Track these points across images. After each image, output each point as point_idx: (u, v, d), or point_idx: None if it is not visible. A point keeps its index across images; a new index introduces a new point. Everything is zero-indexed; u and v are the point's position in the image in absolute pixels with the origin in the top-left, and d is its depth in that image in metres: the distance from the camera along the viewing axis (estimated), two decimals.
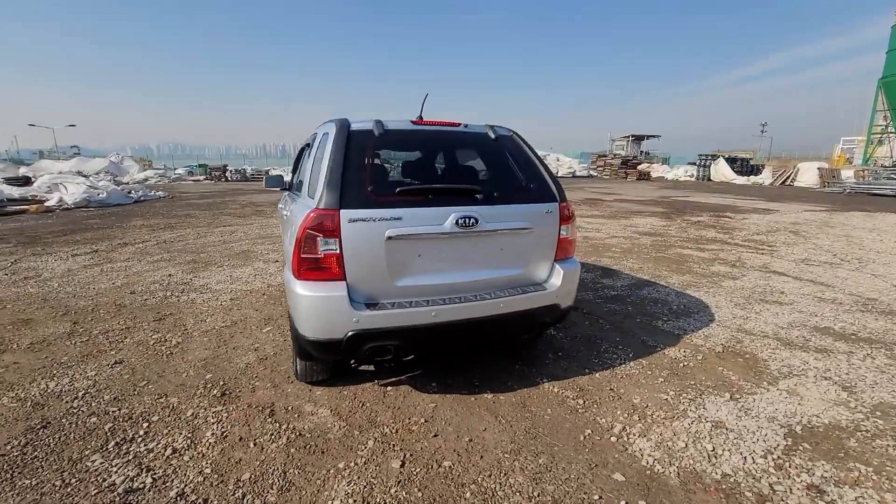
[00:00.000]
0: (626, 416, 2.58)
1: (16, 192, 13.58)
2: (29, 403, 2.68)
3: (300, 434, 2.40)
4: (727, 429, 2.46)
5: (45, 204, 12.57)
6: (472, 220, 2.46)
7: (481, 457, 2.23)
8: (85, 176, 20.76)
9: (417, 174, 3.05)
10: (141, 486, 2.02)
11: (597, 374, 3.08)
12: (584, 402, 2.73)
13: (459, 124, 2.85)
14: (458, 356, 3.25)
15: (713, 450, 2.28)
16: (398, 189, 2.45)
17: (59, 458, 2.20)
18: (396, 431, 2.43)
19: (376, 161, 2.88)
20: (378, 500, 1.95)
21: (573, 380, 2.99)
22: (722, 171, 27.21)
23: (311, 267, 2.31)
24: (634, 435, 2.41)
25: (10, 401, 2.71)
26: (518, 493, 1.99)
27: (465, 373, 3.05)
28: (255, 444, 2.32)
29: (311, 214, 2.29)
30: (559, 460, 2.21)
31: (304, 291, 2.29)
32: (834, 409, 2.65)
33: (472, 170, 3.01)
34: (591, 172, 33.80)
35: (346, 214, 2.29)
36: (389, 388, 2.86)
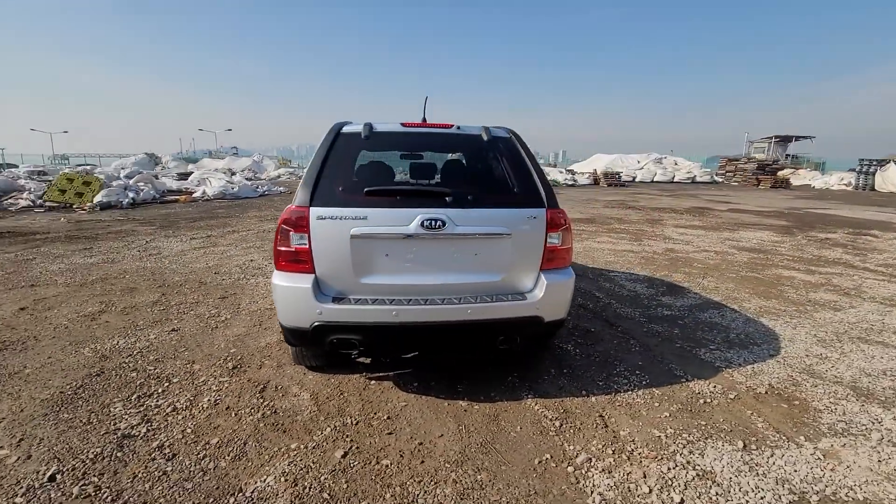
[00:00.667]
0: (600, 447, 2.34)
1: (175, 184, 16.54)
2: (99, 355, 3.33)
3: (275, 412, 2.63)
4: (714, 482, 2.10)
5: (193, 195, 15.12)
6: (439, 223, 2.45)
7: (422, 462, 2.22)
8: (233, 173, 24.53)
9: (412, 173, 3.10)
10: (136, 434, 2.41)
11: (592, 398, 2.83)
12: (561, 425, 2.54)
13: (452, 126, 2.83)
14: (455, 360, 3.23)
15: (680, 502, 1.97)
16: (365, 189, 2.54)
17: (94, 401, 2.72)
18: (356, 423, 2.53)
19: (363, 162, 2.99)
20: (306, 483, 2.07)
21: (562, 400, 2.79)
22: (892, 179, 22.25)
23: (286, 259, 2.51)
24: (596, 469, 2.18)
25: (88, 351, 3.39)
26: None
27: (454, 377, 3.02)
28: (235, 415, 2.60)
29: (287, 210, 2.49)
30: (498, 480, 2.11)
31: (277, 281, 2.50)
32: (879, 485, 2.09)
33: (458, 172, 2.97)
34: (717, 178, 30.11)
35: (314, 212, 2.44)
36: (374, 381, 2.97)
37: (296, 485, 2.05)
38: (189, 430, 2.45)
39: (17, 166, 28.02)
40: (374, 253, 2.50)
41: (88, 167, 20.56)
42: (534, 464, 2.22)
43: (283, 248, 2.49)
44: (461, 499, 1.99)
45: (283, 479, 2.09)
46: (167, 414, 2.60)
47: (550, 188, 2.71)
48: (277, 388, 2.89)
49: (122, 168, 23.55)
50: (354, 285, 2.52)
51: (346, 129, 2.76)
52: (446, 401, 2.77)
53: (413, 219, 2.44)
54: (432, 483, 2.08)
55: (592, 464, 2.22)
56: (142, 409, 2.64)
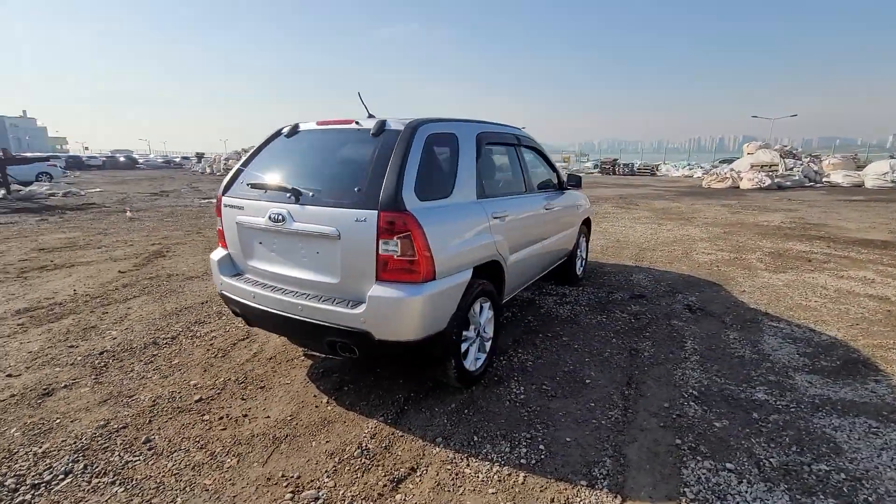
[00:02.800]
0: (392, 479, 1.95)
1: None
2: None
3: (239, 370, 3.32)
4: None
5: None
6: (280, 217, 2.49)
7: (243, 425, 2.45)
8: None
9: (299, 171, 2.90)
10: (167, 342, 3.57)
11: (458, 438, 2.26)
12: (374, 448, 2.20)
13: (352, 122, 2.71)
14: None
15: None
16: (248, 183, 2.79)
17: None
18: (231, 376, 2.93)
19: (282, 159, 3.09)
20: (163, 403, 2.65)
21: (425, 427, 2.36)
22: None
23: (219, 236, 3.08)
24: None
25: None
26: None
27: (360, 374, 2.96)
28: (223, 366, 3.43)
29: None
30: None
31: (212, 254, 3.11)
32: None
33: (330, 167, 2.76)
34: None
35: (224, 200, 2.90)
36: (280, 353, 3.27)
37: (164, 399, 2.68)
38: (200, 370, 3.43)
39: None
40: (252, 240, 2.77)
41: None
42: (262, 478, 2.10)
43: (218, 229, 3.09)
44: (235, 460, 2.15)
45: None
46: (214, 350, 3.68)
47: (398, 189, 2.26)
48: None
49: None
50: (245, 266, 2.88)
51: (283, 129, 3.08)
52: (316, 391, 2.80)
53: (266, 212, 2.59)
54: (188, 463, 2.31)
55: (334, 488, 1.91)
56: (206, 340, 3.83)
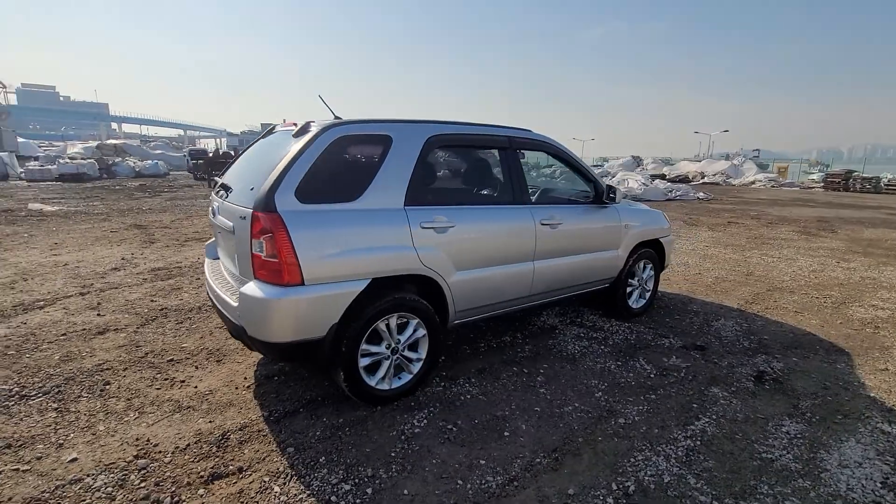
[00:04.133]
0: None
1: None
2: None
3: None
4: None
5: None
6: (213, 211, 2.71)
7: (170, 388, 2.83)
8: (702, 174, 24.13)
9: (243, 169, 2.96)
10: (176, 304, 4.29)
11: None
12: (233, 439, 2.27)
13: (294, 125, 2.76)
14: None
15: None
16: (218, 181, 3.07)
17: None
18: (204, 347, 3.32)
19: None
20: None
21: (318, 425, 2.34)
22: None
23: None
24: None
25: None
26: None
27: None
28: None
29: None
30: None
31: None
32: None
33: (262, 166, 2.76)
34: None
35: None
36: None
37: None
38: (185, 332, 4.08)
39: None
40: (214, 229, 3.09)
41: None
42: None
43: None
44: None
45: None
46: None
47: (278, 188, 2.21)
48: None
49: (604, 168, 28.18)
50: (215, 253, 3.24)
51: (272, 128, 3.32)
52: (252, 374, 2.98)
53: (212, 205, 2.86)
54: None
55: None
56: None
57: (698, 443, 2.38)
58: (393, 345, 2.62)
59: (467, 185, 3.13)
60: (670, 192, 16.52)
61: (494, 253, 2.99)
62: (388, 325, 2.57)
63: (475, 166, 3.21)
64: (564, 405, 2.71)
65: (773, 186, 25.36)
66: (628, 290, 4.07)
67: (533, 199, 3.32)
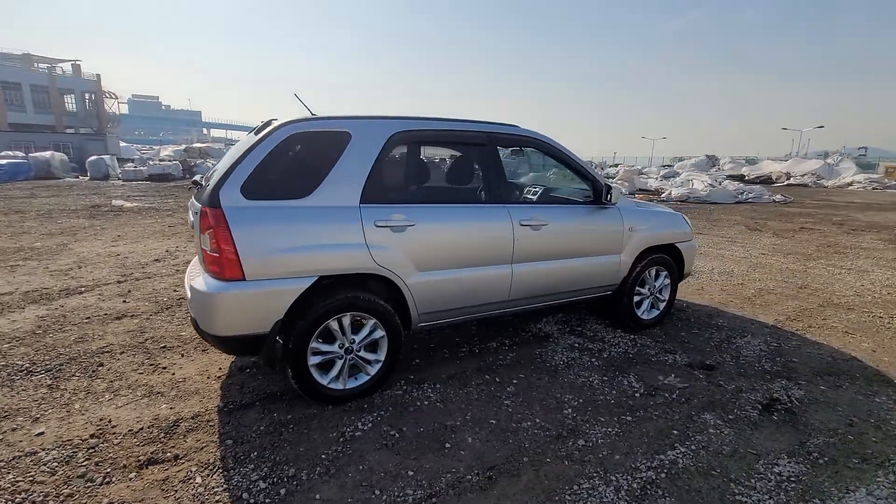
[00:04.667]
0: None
1: (655, 184, 17.29)
2: None
3: None
4: None
5: (660, 195, 15.45)
6: (189, 207, 2.83)
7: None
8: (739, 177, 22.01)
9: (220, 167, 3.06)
10: None
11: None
12: (182, 427, 2.36)
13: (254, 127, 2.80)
14: None
15: None
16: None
17: None
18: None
19: None
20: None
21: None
22: None
23: None
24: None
25: None
26: None
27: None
28: None
29: None
30: None
31: None
32: None
33: (224, 164, 2.81)
34: None
35: None
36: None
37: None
38: None
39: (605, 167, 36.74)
40: None
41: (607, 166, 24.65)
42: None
43: None
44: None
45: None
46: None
47: (223, 185, 2.24)
48: None
49: (673, 168, 26.53)
50: None
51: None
52: (226, 366, 3.08)
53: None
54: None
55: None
56: None
57: (662, 475, 2.10)
58: (346, 345, 2.58)
59: (437, 182, 3.02)
60: (741, 193, 15.08)
61: (463, 254, 2.85)
62: (340, 325, 2.54)
63: (448, 163, 3.09)
64: (524, 420, 2.52)
65: (874, 189, 22.32)
66: (636, 299, 3.73)
67: (517, 198, 3.14)
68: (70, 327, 3.70)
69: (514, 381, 2.93)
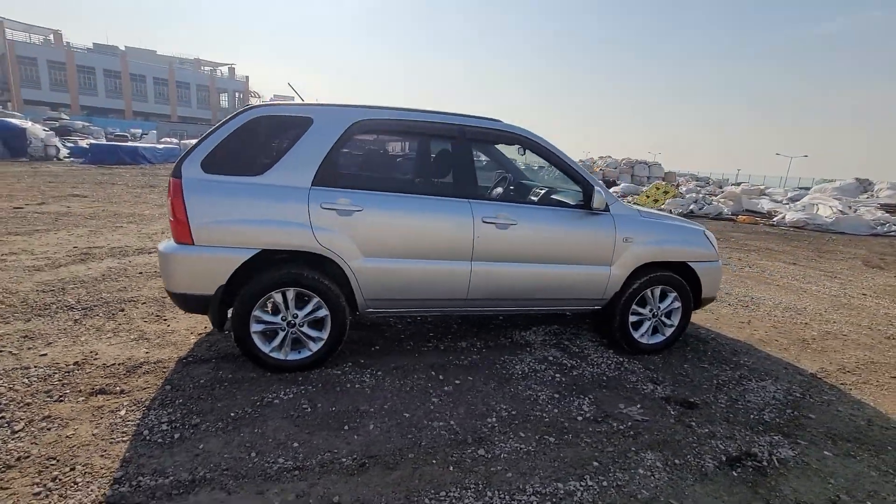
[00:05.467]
0: None
1: (768, 205, 15.12)
2: None
3: None
4: None
5: (757, 219, 13.53)
6: None
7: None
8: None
9: None
10: None
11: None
12: (112, 382, 2.72)
13: None
14: None
15: None
16: None
17: None
18: None
19: None
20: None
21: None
22: None
23: None
24: None
25: None
26: None
27: None
28: None
29: None
30: None
31: None
32: None
33: None
34: None
35: None
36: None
37: None
38: None
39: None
40: None
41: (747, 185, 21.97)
42: None
43: None
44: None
45: None
46: None
47: (205, 161, 2.51)
48: None
49: (809, 191, 23.30)
50: None
51: None
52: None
53: None
54: None
55: None
56: None
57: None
58: (289, 318, 2.73)
59: (399, 172, 3.02)
60: (881, 225, 12.50)
61: (414, 245, 2.83)
62: (284, 298, 2.69)
63: (413, 154, 3.08)
64: (439, 420, 2.43)
65: None
66: (633, 319, 3.35)
67: (487, 194, 3.02)
68: (122, 279, 4.38)
69: (457, 382, 2.83)
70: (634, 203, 15.15)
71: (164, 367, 2.78)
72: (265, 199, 2.61)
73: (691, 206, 13.81)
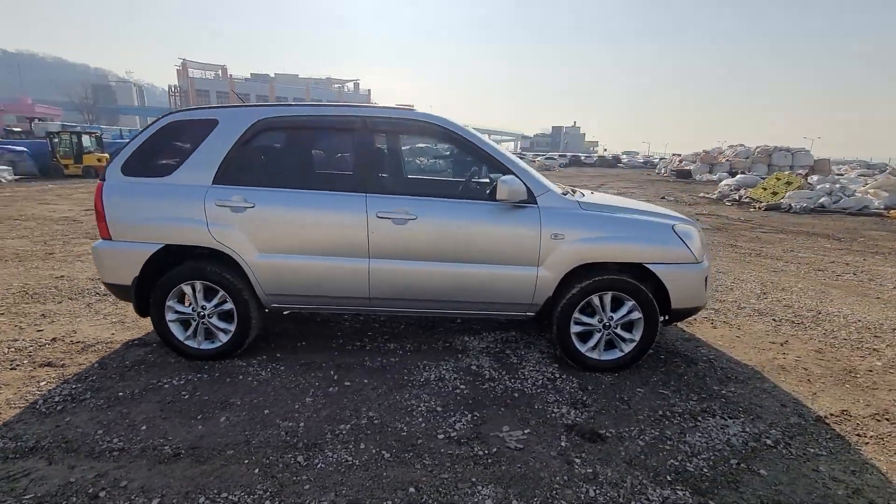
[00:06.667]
0: None
1: None
2: None
3: None
4: None
5: None
6: None
7: None
8: None
9: None
10: None
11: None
12: (60, 353, 3.14)
13: None
14: None
15: None
16: None
17: None
18: None
19: None
20: None
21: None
22: None
23: None
24: None
25: None
26: None
27: None
28: None
29: None
30: None
31: None
32: None
33: None
34: None
35: None
36: None
37: None
38: None
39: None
40: None
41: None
42: None
43: None
44: None
45: None
46: None
47: (124, 165, 2.79)
48: None
49: None
50: None
51: None
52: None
53: None
54: None
55: None
56: None
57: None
58: (198, 309, 2.90)
59: (298, 168, 2.95)
60: None
61: (308, 241, 2.79)
62: (193, 291, 2.87)
63: (315, 149, 2.99)
64: (291, 420, 2.36)
65: None
66: (578, 329, 2.87)
67: (388, 187, 2.85)
68: None
69: (347, 384, 2.72)
70: (748, 195, 12.98)
71: (110, 348, 3.15)
72: (168, 198, 2.81)
73: (822, 199, 11.26)
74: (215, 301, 2.88)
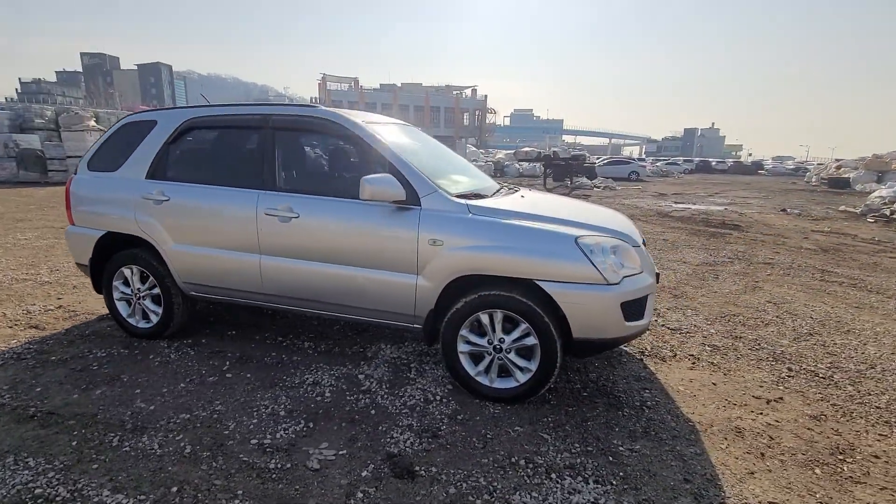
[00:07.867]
0: None
1: None
2: None
3: None
4: None
5: None
6: None
7: None
8: None
9: None
10: None
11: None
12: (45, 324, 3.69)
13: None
14: None
15: None
16: None
17: None
18: None
19: None
20: None
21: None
22: None
23: None
24: None
25: None
26: None
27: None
28: None
29: None
30: None
31: None
32: None
33: None
34: None
35: None
36: None
37: None
38: None
39: None
40: None
41: None
42: None
43: None
44: None
45: None
46: None
47: (90, 161, 3.20)
48: None
49: None
50: None
51: None
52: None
53: None
54: None
55: None
56: None
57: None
58: (134, 291, 3.22)
59: (213, 164, 3.03)
60: None
61: (210, 234, 2.91)
62: (131, 274, 3.20)
63: (229, 147, 3.05)
64: (146, 402, 2.47)
65: None
66: (465, 348, 2.54)
67: (282, 185, 2.84)
68: None
69: (228, 376, 2.78)
70: None
71: (99, 322, 3.63)
72: (111, 190, 3.16)
73: None
74: (147, 285, 3.16)
